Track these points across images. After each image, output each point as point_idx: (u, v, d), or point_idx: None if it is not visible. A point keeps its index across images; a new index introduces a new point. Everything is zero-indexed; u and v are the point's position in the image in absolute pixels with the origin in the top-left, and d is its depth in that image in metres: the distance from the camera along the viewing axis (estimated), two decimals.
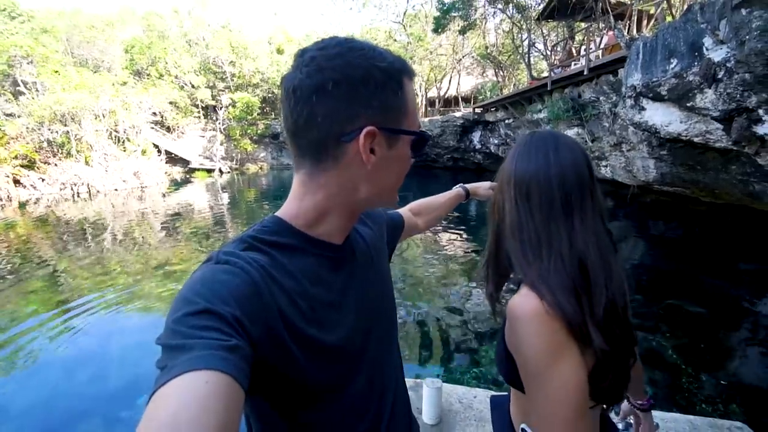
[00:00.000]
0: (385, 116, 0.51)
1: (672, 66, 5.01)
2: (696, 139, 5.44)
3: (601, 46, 9.30)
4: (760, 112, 4.08)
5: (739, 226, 6.95)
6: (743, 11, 3.61)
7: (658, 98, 5.61)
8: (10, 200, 14.86)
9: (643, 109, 6.20)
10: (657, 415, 2.04)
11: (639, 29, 9.35)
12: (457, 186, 1.22)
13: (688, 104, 5.04)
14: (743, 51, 3.74)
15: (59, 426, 2.98)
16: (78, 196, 16.45)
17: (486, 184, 1.24)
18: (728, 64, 4.06)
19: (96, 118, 18.76)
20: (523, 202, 0.69)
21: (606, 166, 9.21)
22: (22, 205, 14.07)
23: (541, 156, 0.69)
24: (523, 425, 0.76)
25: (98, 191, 17.41)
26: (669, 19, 7.86)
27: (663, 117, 5.83)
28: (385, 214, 0.85)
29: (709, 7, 4.16)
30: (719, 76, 4.28)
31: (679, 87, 5.00)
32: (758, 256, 6.06)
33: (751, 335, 4.05)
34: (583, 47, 10.10)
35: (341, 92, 0.48)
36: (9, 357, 3.93)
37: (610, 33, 8.82)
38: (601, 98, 8.68)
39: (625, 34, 8.03)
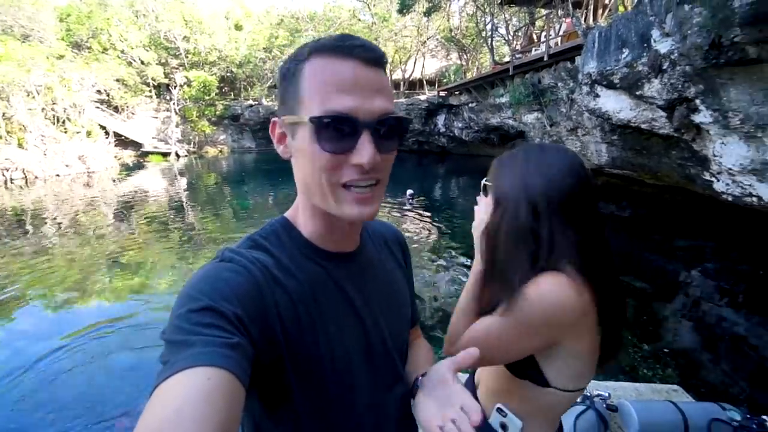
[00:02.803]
0: (285, 106, 0.51)
1: (624, 56, 5.27)
2: (643, 126, 5.82)
3: (560, 33, 9.58)
4: (698, 102, 4.42)
5: (679, 206, 7.61)
6: (686, 6, 3.84)
7: (611, 86, 5.90)
8: None
9: (597, 96, 6.51)
10: (608, 384, 2.24)
11: (595, 18, 9.69)
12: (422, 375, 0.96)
13: (637, 93, 5.35)
14: (685, 45, 3.99)
15: None
16: (11, 182, 14.93)
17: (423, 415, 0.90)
18: (672, 56, 4.34)
19: (29, 95, 16.92)
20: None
21: None
22: None
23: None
24: (498, 405, 0.81)
25: (36, 177, 15.85)
26: (621, 9, 8.21)
27: (615, 104, 6.16)
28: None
29: (658, 0, 4.39)
30: (664, 67, 4.57)
31: (630, 76, 5.28)
32: (691, 233, 6.69)
33: (684, 306, 4.51)
34: (544, 33, 10.35)
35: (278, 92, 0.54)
36: None
37: (569, 20, 9.07)
38: (559, 84, 9.01)
39: (582, 22, 8.31)
